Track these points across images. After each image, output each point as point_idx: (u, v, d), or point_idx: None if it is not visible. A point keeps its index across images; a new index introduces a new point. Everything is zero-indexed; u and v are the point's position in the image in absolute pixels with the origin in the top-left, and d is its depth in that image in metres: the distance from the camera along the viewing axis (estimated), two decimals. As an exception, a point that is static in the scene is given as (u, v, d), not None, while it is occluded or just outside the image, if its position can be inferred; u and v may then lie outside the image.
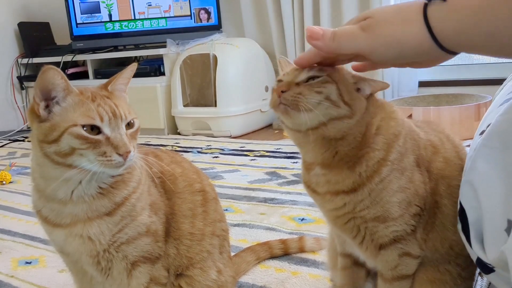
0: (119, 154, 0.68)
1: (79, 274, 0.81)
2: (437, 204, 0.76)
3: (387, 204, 0.73)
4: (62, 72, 0.69)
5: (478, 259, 0.65)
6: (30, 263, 1.26)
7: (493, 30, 0.43)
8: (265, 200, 1.63)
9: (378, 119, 0.74)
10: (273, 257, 1.18)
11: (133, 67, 0.78)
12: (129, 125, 0.73)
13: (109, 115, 0.70)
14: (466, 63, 2.82)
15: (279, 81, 0.73)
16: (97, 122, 0.68)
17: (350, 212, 0.75)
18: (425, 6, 0.46)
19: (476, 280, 0.84)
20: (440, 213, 0.76)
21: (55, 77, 0.68)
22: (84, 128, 0.68)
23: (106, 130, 0.69)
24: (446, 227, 0.76)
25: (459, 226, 0.72)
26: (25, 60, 3.47)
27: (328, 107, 0.69)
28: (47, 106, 0.70)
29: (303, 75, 0.70)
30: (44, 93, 0.69)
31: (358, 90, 0.73)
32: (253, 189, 1.76)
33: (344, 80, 0.71)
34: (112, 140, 0.69)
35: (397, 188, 0.73)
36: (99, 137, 0.68)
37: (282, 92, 0.69)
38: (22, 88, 3.55)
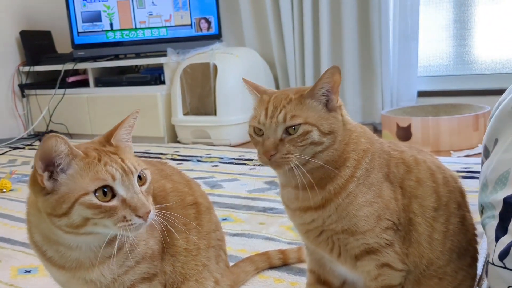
0: (139, 216, 0.65)
1: None
2: (411, 222, 0.79)
3: (354, 218, 0.77)
4: (65, 138, 0.65)
5: None
6: (29, 271, 1.26)
7: None
8: (265, 210, 1.63)
9: (353, 137, 0.80)
10: (272, 267, 1.18)
11: (135, 115, 0.75)
12: (141, 179, 0.69)
13: (120, 172, 0.66)
14: (465, 74, 2.83)
15: (258, 123, 0.78)
16: (109, 182, 0.65)
17: (320, 226, 0.79)
18: None
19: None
20: (415, 230, 0.79)
21: (58, 144, 0.64)
22: (96, 194, 0.64)
23: (120, 190, 0.65)
24: (421, 244, 0.79)
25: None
26: (26, 68, 3.49)
27: (313, 147, 0.75)
28: (51, 176, 0.65)
29: (281, 129, 0.75)
30: (46, 161, 0.65)
31: (327, 102, 0.77)
32: (252, 198, 1.77)
33: (316, 111, 0.76)
34: (129, 201, 0.65)
35: (363, 202, 0.77)
36: (114, 203, 0.65)
37: (271, 156, 0.75)
38: (23, 96, 3.57)
